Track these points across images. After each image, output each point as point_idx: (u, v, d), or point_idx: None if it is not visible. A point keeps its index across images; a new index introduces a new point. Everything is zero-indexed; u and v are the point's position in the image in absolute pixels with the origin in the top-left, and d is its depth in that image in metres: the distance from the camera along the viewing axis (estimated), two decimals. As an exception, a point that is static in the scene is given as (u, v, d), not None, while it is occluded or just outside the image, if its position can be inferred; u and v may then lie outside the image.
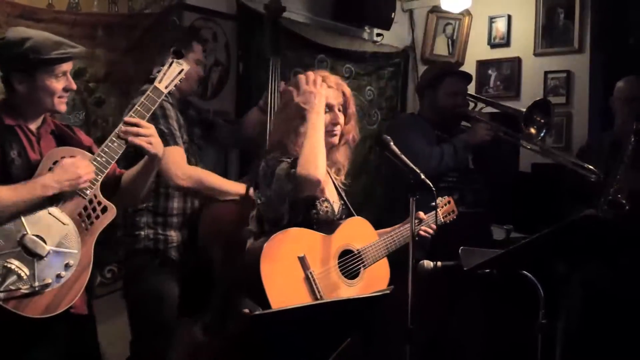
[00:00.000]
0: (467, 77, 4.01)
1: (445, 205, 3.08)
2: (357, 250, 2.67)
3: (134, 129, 2.41)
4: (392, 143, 2.62)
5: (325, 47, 4.61)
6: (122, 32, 3.47)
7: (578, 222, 2.29)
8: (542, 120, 3.79)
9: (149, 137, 2.43)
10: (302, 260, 2.50)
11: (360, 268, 2.66)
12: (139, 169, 2.55)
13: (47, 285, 2.24)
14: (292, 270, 2.49)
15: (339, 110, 2.69)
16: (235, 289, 3.05)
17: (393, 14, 4.80)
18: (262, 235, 2.58)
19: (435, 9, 5.13)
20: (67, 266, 2.29)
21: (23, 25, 3.04)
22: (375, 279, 2.68)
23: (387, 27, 4.85)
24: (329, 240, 2.61)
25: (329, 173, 2.77)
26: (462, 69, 5.02)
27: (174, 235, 3.13)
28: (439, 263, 2.67)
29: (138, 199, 2.69)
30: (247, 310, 1.71)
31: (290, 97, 2.67)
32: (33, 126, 2.44)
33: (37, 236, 2.26)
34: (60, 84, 2.40)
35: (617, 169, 3.50)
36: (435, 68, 4.23)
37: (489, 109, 4.20)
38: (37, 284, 2.22)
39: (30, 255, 2.23)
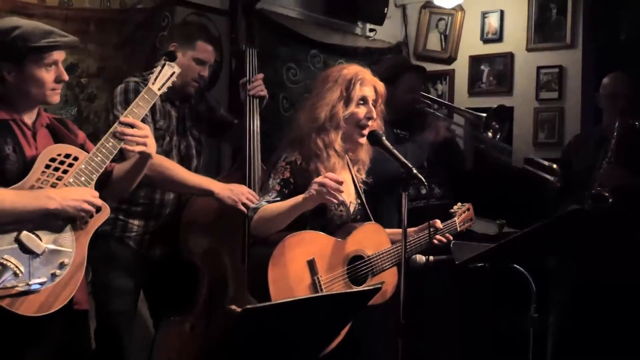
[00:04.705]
0: (422, 72, 4.03)
1: (465, 212, 3.00)
2: (368, 256, 2.65)
3: (130, 130, 2.38)
4: (384, 137, 2.62)
5: (318, 42, 4.61)
6: (114, 28, 3.46)
7: (566, 216, 2.30)
8: (497, 126, 3.91)
9: (144, 138, 2.41)
10: (310, 264, 2.49)
11: (368, 275, 2.63)
12: (130, 166, 2.54)
13: (42, 284, 2.21)
14: (300, 275, 2.47)
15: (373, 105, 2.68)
16: (219, 285, 3.03)
17: (386, 9, 4.80)
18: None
19: (428, 5, 5.14)
20: (62, 265, 2.27)
21: (15, 20, 3.04)
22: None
23: (380, 22, 4.84)
24: (341, 245, 2.59)
25: (350, 171, 2.77)
26: (455, 64, 5.07)
27: (135, 223, 3.05)
28: (430, 257, 2.67)
29: (127, 192, 2.69)
30: (234, 307, 1.71)
31: (325, 85, 2.66)
32: (28, 120, 2.39)
33: (34, 233, 2.22)
34: (50, 74, 2.34)
35: (602, 163, 3.55)
36: (393, 63, 4.18)
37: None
38: (32, 281, 2.18)
39: (26, 252, 2.20)
